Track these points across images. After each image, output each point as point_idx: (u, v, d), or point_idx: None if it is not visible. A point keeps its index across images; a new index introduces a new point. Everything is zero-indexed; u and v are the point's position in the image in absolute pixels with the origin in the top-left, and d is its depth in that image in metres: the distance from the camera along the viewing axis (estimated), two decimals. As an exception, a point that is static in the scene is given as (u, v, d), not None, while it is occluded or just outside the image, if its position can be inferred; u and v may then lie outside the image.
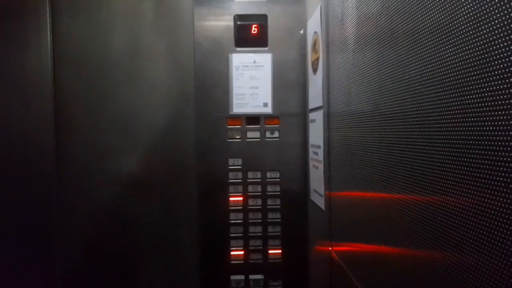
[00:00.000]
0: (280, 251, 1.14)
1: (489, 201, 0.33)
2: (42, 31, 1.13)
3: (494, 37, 0.32)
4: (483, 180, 0.33)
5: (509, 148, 0.30)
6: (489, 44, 0.32)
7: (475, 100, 0.34)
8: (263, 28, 1.11)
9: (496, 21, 0.31)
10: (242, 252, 1.13)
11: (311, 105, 1.05)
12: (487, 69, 0.33)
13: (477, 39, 0.34)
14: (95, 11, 1.15)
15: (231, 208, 1.13)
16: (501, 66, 0.31)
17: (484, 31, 0.33)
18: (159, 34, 1.17)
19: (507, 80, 0.30)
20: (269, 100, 1.12)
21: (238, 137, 1.12)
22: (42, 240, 1.16)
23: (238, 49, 1.11)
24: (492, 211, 0.32)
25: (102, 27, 1.16)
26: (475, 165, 0.35)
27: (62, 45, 1.15)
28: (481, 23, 0.33)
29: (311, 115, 1.05)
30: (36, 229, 1.15)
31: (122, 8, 1.16)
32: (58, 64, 1.15)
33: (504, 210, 0.31)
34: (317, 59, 0.96)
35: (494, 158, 0.32)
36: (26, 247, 1.15)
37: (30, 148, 1.14)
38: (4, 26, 1.13)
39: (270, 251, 1.14)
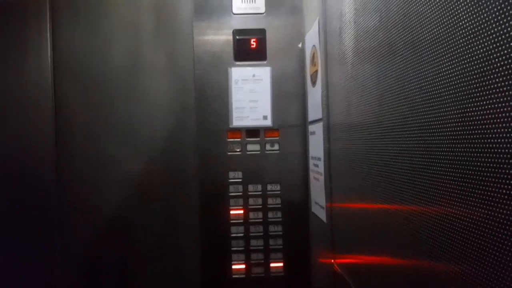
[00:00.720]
0: (282, 264, 1.13)
1: (493, 212, 0.33)
2: (42, 43, 1.15)
3: (493, 49, 0.32)
4: (485, 189, 0.34)
5: (510, 160, 0.30)
6: (488, 57, 0.33)
7: (474, 111, 0.35)
8: (261, 42, 1.12)
9: (495, 33, 0.32)
10: (243, 266, 1.12)
11: (311, 117, 1.05)
12: (486, 80, 0.33)
13: (475, 50, 0.35)
14: (96, 24, 1.17)
15: (232, 221, 1.12)
16: (500, 77, 0.31)
17: (483, 43, 0.33)
18: (158, 47, 1.18)
19: (507, 93, 0.31)
20: (268, 113, 1.13)
21: (238, 150, 1.13)
22: (41, 249, 1.15)
23: (237, 63, 1.12)
24: (497, 223, 0.32)
25: (102, 40, 1.17)
26: (476, 175, 0.35)
27: (62, 57, 1.16)
28: (480, 36, 0.34)
29: (311, 128, 1.06)
30: (36, 238, 1.15)
31: (122, 21, 1.17)
32: (58, 76, 1.16)
33: (508, 222, 0.31)
34: (316, 72, 0.97)
35: (495, 167, 0.32)
36: (25, 256, 1.14)
37: (30, 157, 1.15)
38: (4, 38, 1.14)
39: (272, 265, 1.13)
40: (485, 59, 0.33)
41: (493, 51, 0.32)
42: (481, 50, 0.34)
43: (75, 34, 1.17)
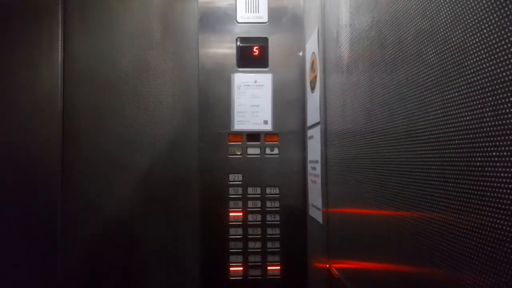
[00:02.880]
0: (279, 267, 1.14)
1: (487, 214, 0.33)
2: (54, 49, 1.20)
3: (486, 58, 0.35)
4: (475, 192, 0.34)
5: (499, 169, 0.32)
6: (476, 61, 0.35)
7: (468, 118, 0.36)
8: (264, 49, 1.16)
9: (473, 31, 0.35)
10: (241, 268, 1.14)
11: (309, 122, 1.08)
12: (479, 90, 0.35)
13: (474, 56, 0.37)
14: (106, 31, 1.22)
15: (231, 223, 1.14)
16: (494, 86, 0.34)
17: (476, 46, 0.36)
18: (165, 55, 1.23)
19: (502, 101, 0.33)
20: (269, 118, 1.16)
21: (239, 153, 1.16)
22: (44, 252, 1.17)
23: (240, 69, 1.16)
24: (493, 228, 0.32)
25: (112, 47, 1.22)
26: (465, 177, 0.36)
27: (73, 63, 1.21)
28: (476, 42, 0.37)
29: (310, 132, 1.08)
30: (38, 242, 1.17)
31: (131, 29, 1.23)
32: (67, 81, 1.21)
33: (504, 226, 0.31)
34: (315, 77, 1.01)
35: (486, 172, 0.33)
36: (27, 259, 1.16)
37: (36, 160, 1.18)
38: (17, 43, 1.19)
39: (269, 267, 1.14)
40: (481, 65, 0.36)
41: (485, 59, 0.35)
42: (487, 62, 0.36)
43: (86, 41, 1.22)
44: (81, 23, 1.22)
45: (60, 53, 1.20)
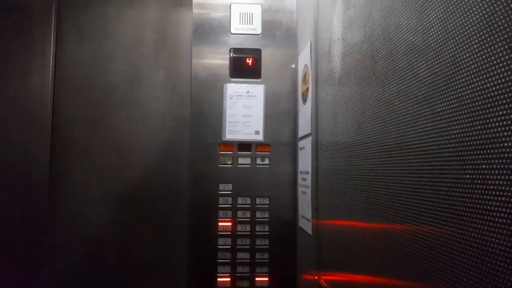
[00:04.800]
0: (267, 278, 1.13)
1: (478, 227, 0.33)
2: (45, 57, 1.19)
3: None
4: (467, 204, 0.35)
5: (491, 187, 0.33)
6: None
7: (458, 131, 0.37)
8: (257, 61, 1.18)
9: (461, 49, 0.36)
10: (228, 279, 1.12)
11: (301, 133, 1.09)
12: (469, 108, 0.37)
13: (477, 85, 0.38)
14: (99, 40, 1.22)
15: (219, 233, 1.13)
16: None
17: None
18: (158, 64, 1.23)
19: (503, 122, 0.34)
20: (260, 128, 1.16)
21: (229, 162, 1.16)
22: (31, 262, 1.15)
23: (233, 79, 1.17)
24: (484, 241, 0.33)
25: (105, 55, 1.22)
26: (455, 189, 0.37)
27: (65, 71, 1.21)
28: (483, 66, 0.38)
29: (301, 143, 1.09)
30: (26, 251, 1.14)
31: (125, 38, 1.23)
32: (58, 89, 1.20)
33: (499, 242, 0.31)
34: (307, 89, 1.02)
35: (476, 185, 0.34)
36: (12, 273, 1.14)
37: (24, 170, 1.17)
38: (8, 49, 1.18)
39: (257, 278, 1.13)
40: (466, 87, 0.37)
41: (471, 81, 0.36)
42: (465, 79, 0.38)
43: (78, 49, 1.22)
44: (75, 31, 1.22)
45: (51, 60, 1.20)
